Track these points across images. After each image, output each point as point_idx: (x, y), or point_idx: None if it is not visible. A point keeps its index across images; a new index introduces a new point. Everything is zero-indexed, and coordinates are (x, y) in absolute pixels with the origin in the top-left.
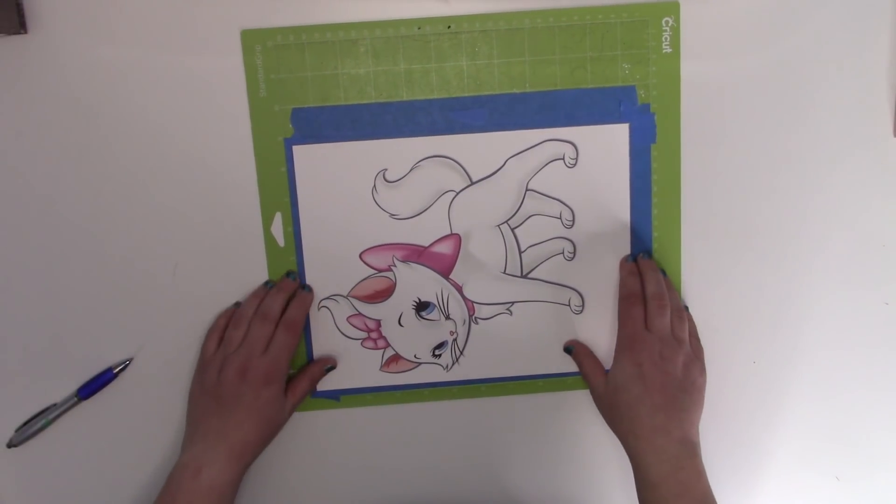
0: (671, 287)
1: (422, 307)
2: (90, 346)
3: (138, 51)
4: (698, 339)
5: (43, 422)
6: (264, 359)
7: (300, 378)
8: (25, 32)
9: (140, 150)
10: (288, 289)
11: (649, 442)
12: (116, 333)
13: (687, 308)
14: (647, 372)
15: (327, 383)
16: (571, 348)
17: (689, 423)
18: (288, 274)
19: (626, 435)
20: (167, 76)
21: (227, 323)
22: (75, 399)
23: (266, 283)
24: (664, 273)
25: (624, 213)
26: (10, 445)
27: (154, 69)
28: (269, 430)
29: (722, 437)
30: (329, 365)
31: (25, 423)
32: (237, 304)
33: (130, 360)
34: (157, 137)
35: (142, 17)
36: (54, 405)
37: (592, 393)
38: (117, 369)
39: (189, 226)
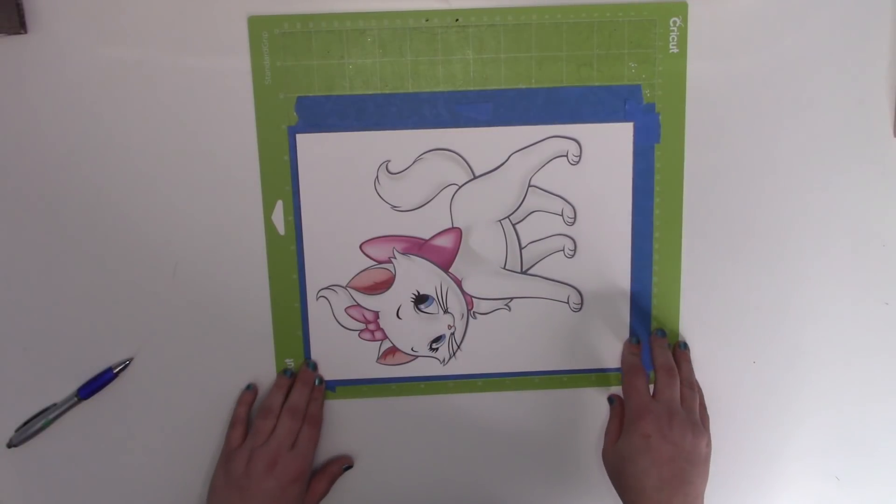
0: (686, 359)
1: (420, 300)
2: (90, 346)
3: (140, 46)
4: (706, 410)
5: (43, 422)
6: (294, 455)
7: (319, 478)
8: (25, 32)
9: (140, 148)
10: (311, 381)
11: None
12: (116, 333)
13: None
14: (654, 445)
15: (323, 373)
16: (614, 401)
17: (694, 497)
18: (306, 363)
19: None
20: (170, 70)
21: (248, 412)
22: (75, 399)
23: (285, 371)
24: (685, 345)
25: (626, 211)
26: (10, 445)
27: (157, 63)
28: None
29: (721, 438)
30: (346, 464)
31: (25, 423)
32: (249, 387)
33: (130, 360)
34: (159, 133)
35: (144, 12)
36: (54, 405)
37: (603, 449)
38: (117, 369)
39: (190, 218)
